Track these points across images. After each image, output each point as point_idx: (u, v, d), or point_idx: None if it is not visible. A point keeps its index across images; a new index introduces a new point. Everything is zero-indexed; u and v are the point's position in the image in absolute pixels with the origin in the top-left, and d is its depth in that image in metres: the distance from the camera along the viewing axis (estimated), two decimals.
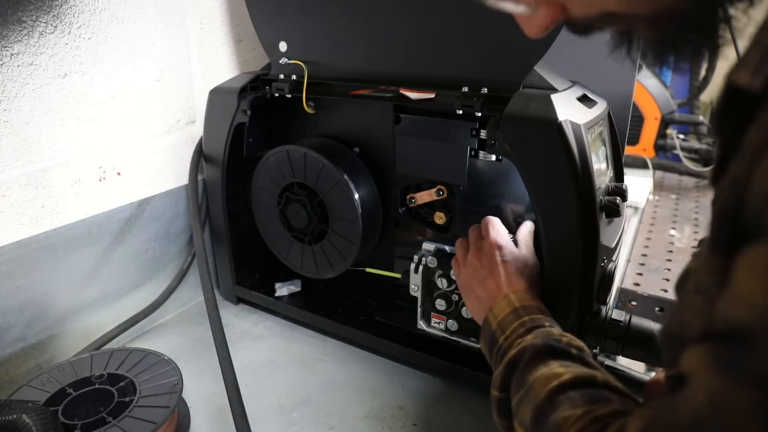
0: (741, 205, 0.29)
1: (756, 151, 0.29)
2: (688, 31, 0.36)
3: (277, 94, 0.87)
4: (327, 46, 0.81)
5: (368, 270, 0.90)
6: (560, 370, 0.48)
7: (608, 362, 0.72)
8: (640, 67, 1.60)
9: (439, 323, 0.80)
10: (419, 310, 0.81)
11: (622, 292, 1.06)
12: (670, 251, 1.23)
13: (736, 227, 0.30)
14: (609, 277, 0.69)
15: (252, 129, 0.91)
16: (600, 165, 0.71)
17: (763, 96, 0.29)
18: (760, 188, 0.28)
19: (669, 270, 1.14)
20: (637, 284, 1.07)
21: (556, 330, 0.56)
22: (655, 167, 1.70)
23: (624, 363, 0.73)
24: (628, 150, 1.70)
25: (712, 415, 0.28)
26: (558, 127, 0.61)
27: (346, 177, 0.82)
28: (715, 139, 0.34)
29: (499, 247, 0.66)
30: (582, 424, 0.42)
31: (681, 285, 0.39)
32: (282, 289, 1.01)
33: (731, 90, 0.32)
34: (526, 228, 0.70)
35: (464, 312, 0.76)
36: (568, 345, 0.53)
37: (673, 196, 1.61)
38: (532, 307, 0.60)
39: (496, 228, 0.69)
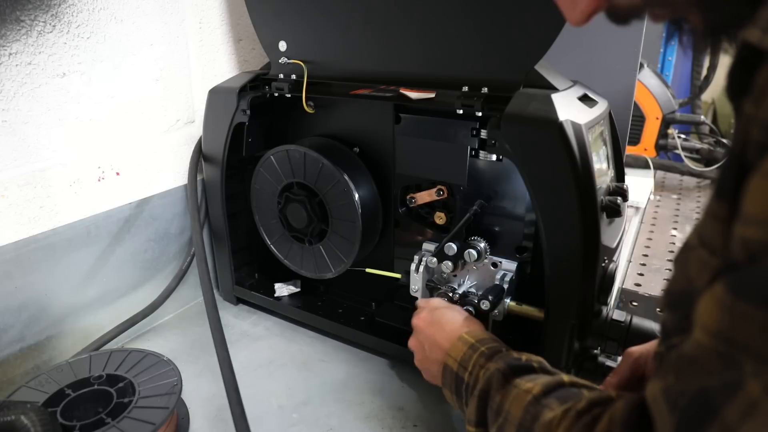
0: (748, 143, 0.29)
1: (764, 87, 0.28)
2: (743, 11, 0.33)
3: (276, 94, 0.87)
4: (326, 45, 0.81)
5: (368, 270, 0.90)
6: (528, 385, 0.51)
7: (609, 362, 0.72)
8: (641, 66, 1.60)
9: None
10: None
11: (623, 293, 1.05)
12: (672, 251, 1.22)
13: (742, 169, 0.29)
14: (610, 278, 0.69)
15: (251, 129, 0.90)
16: (601, 165, 0.70)
17: None
18: (766, 117, 0.27)
19: (670, 270, 1.13)
20: (638, 284, 1.07)
21: (514, 352, 0.59)
22: (657, 167, 1.69)
23: None
24: (629, 150, 1.69)
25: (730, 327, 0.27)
26: (559, 126, 0.61)
27: (346, 177, 0.82)
28: (733, 106, 0.33)
29: (438, 306, 0.71)
30: (567, 422, 0.43)
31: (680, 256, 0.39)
32: (282, 290, 1.00)
33: (745, 49, 0.31)
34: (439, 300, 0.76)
35: None
36: (528, 361, 0.56)
37: (675, 196, 1.60)
38: (487, 339, 0.63)
39: (431, 300, 0.75)
